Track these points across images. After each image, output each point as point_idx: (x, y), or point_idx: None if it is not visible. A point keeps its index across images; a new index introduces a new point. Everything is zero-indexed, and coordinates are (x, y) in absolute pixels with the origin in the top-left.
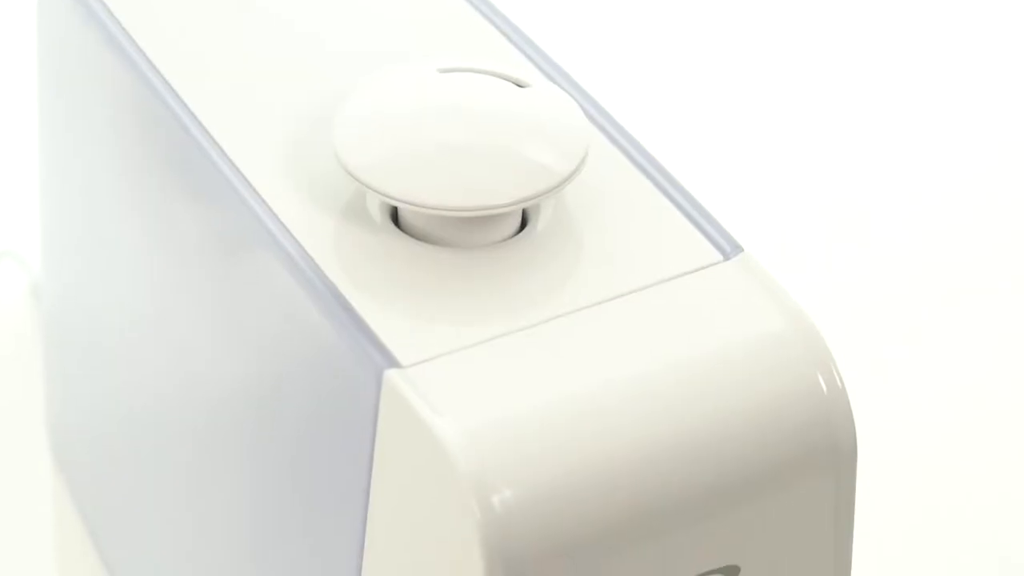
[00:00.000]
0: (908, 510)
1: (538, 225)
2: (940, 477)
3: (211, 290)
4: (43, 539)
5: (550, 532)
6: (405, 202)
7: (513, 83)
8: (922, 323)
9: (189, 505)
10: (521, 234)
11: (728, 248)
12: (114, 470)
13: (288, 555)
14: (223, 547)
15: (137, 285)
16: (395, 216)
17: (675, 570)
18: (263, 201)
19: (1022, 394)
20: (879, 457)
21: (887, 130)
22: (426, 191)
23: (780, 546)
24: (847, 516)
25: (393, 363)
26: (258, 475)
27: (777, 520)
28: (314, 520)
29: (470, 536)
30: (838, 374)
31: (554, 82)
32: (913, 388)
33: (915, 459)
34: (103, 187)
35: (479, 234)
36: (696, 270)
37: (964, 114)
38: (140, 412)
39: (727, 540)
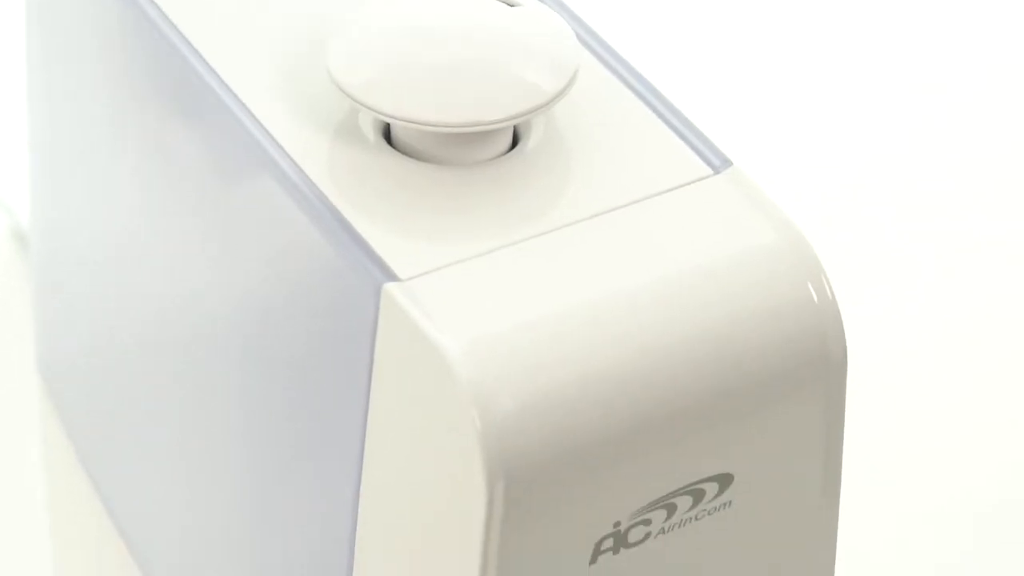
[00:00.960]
0: (897, 419)
1: (529, 142)
2: (929, 385)
3: (206, 212)
4: (35, 472)
5: (549, 442)
6: (398, 118)
7: (504, 2)
8: (913, 235)
9: (185, 428)
10: (512, 152)
11: (717, 162)
12: (107, 398)
13: (287, 472)
14: (220, 468)
15: (131, 211)
16: (387, 135)
17: (671, 478)
18: (257, 121)
19: (1011, 308)
20: (869, 367)
21: (878, 51)
22: (419, 107)
23: (772, 454)
24: (837, 424)
25: (391, 277)
26: (257, 394)
27: (770, 429)
28: (313, 436)
29: (471, 447)
30: (828, 284)
31: (543, 2)
32: (903, 298)
33: (905, 368)
34: (94, 114)
35: (471, 151)
36: (686, 184)
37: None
38: (135, 338)
39: (721, 449)
